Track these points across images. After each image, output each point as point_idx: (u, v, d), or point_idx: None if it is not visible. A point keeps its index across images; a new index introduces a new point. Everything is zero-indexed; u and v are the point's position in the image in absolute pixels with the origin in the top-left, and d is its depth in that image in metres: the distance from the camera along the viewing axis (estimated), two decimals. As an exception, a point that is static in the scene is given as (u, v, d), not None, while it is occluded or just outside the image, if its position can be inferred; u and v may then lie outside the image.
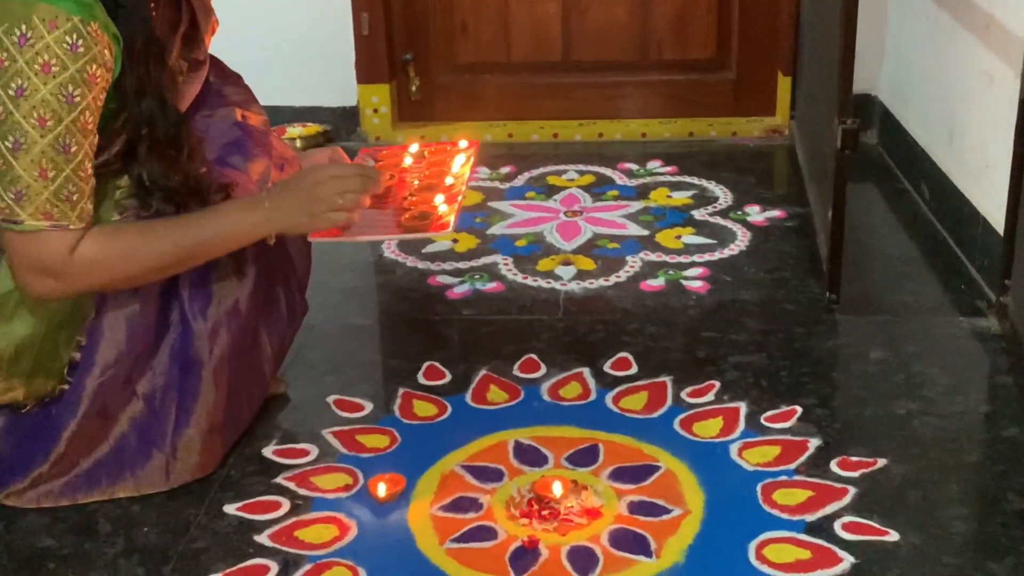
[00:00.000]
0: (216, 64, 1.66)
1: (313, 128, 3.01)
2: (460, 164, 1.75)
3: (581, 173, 2.78)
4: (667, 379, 1.83)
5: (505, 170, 2.81)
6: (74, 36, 1.32)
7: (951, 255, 2.24)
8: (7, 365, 1.49)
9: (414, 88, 3.06)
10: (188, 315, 1.55)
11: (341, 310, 2.11)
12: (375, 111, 3.04)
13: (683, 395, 1.78)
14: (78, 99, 1.34)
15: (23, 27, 1.30)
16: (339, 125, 3.08)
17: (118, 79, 1.40)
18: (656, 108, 3.06)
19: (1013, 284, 1.91)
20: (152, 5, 1.45)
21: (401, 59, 3.04)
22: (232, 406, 1.62)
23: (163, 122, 1.44)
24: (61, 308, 1.48)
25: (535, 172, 2.79)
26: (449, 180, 1.69)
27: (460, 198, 1.63)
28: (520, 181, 2.74)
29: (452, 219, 1.56)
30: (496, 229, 2.46)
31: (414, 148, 1.82)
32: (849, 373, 1.85)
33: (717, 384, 1.80)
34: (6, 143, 1.33)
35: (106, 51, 1.36)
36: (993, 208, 2.06)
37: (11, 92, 1.32)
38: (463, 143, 1.83)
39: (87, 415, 1.53)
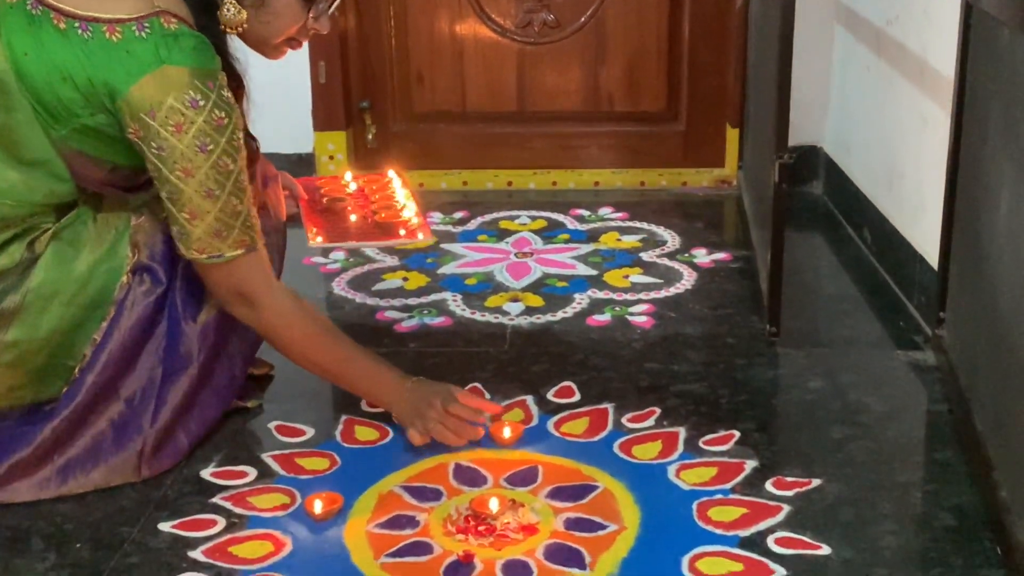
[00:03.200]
0: None
1: (269, 174, 3.03)
2: (400, 188, 2.14)
3: (533, 218, 2.82)
4: (609, 406, 1.84)
5: (458, 215, 2.84)
6: (225, 90, 1.51)
7: (890, 294, 2.29)
8: (27, 358, 1.57)
9: (370, 136, 3.10)
10: (180, 319, 1.66)
11: (288, 342, 2.11)
12: (331, 158, 3.08)
13: (624, 421, 1.80)
14: (238, 142, 1.54)
15: (190, 92, 1.47)
16: (295, 171, 3.07)
17: None
18: (608, 158, 3.11)
19: (948, 317, 1.95)
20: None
21: (358, 107, 3.09)
22: (206, 401, 1.72)
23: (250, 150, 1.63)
24: (87, 301, 1.59)
25: (488, 217, 2.83)
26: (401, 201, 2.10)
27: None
28: (473, 225, 2.78)
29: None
30: (447, 269, 2.48)
31: (348, 176, 2.17)
32: (787, 401, 1.88)
33: (658, 411, 1.82)
34: (200, 192, 1.52)
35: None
36: (929, 246, 2.11)
37: (197, 148, 1.49)
38: (391, 173, 2.21)
39: (73, 413, 1.60)
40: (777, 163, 1.93)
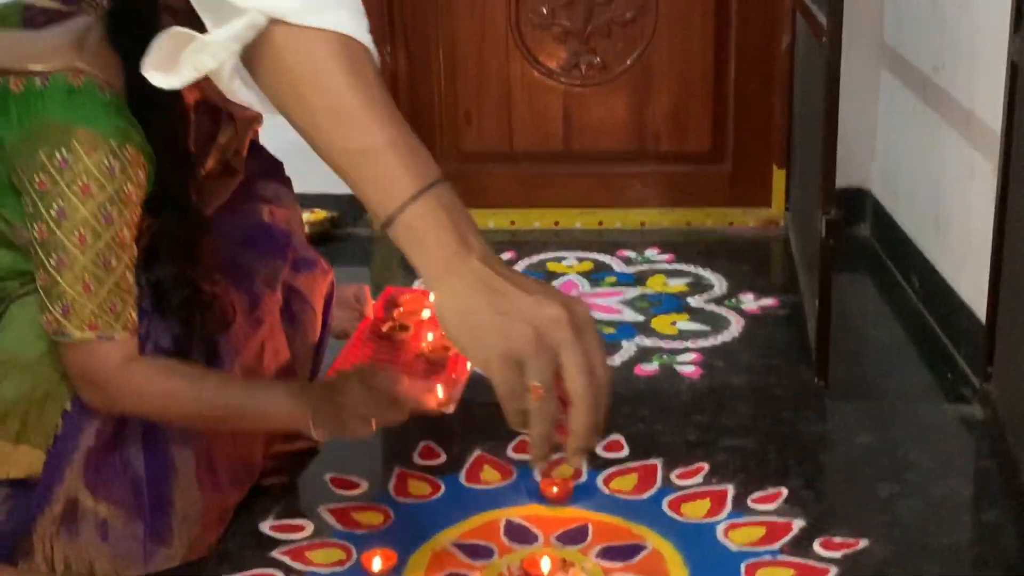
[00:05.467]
0: (258, 154, 1.72)
1: (320, 214, 3.08)
2: None
3: (580, 260, 2.85)
4: (657, 461, 1.86)
5: (506, 256, 2.88)
6: (110, 158, 1.41)
7: (938, 343, 2.29)
8: None
9: (419, 176, 3.14)
10: None
11: (341, 390, 2.15)
12: (381, 198, 3.12)
13: (672, 477, 1.82)
14: (115, 217, 1.42)
15: (63, 151, 1.39)
16: (346, 212, 3.15)
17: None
18: (654, 198, 3.14)
19: (995, 371, 1.96)
20: (189, 117, 1.51)
21: (407, 148, 3.13)
22: (213, 494, 1.62)
23: (183, 228, 1.51)
24: (50, 377, 1.50)
25: (535, 258, 2.86)
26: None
27: (464, 379, 1.68)
28: (520, 267, 2.81)
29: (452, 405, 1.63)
30: (495, 313, 2.51)
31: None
32: (835, 456, 1.89)
33: (706, 466, 1.84)
34: (51, 261, 1.41)
35: (140, 171, 1.44)
36: (976, 296, 2.12)
37: (53, 213, 1.40)
38: None
39: (62, 496, 1.52)
40: (824, 219, 1.94)
